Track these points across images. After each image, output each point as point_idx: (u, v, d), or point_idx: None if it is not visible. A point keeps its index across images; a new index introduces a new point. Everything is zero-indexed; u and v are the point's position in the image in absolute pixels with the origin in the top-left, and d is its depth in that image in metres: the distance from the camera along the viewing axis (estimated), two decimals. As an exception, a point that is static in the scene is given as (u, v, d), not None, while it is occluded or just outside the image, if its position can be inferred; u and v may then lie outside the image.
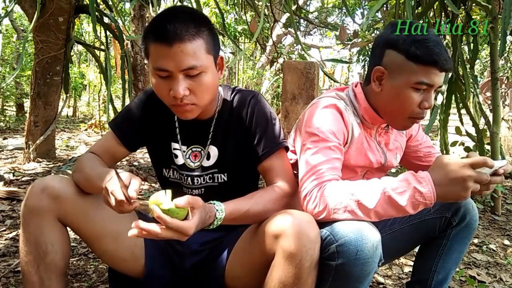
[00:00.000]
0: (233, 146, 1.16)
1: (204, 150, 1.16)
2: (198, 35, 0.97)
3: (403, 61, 1.06)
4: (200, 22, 0.99)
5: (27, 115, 3.65)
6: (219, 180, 1.18)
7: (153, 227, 0.83)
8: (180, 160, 1.17)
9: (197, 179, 1.17)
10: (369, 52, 1.27)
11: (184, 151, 1.17)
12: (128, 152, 1.20)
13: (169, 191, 0.87)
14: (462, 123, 2.93)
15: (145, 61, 5.72)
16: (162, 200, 0.85)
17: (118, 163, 3.71)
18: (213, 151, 1.16)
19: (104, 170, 1.02)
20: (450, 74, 2.64)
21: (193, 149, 1.17)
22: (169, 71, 0.97)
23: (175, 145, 1.18)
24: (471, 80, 2.59)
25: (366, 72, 1.21)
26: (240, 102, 1.16)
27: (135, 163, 3.84)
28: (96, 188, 0.98)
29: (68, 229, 1.08)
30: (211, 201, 0.96)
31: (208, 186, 1.18)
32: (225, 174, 1.17)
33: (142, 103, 1.19)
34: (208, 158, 1.16)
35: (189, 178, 1.17)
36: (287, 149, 1.17)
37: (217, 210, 0.94)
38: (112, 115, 3.53)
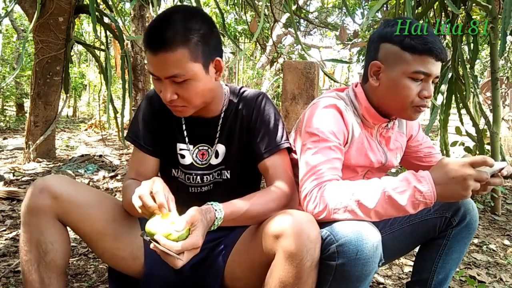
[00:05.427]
0: (237, 144, 1.17)
1: (212, 149, 1.18)
2: (184, 44, 0.95)
3: (398, 52, 1.07)
4: (192, 28, 0.97)
5: (27, 115, 3.65)
6: (223, 177, 1.19)
7: (175, 260, 0.85)
8: (187, 160, 1.18)
9: (207, 177, 1.19)
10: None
11: (190, 150, 1.18)
12: (157, 160, 1.20)
13: (158, 216, 0.89)
14: (462, 123, 2.93)
15: (145, 61, 5.73)
16: (166, 229, 0.86)
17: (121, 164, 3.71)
18: (221, 149, 1.18)
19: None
20: (450, 74, 2.64)
21: (200, 148, 1.18)
22: (157, 76, 1.00)
23: (181, 146, 1.18)
24: (471, 80, 2.59)
25: (363, 70, 1.21)
26: (246, 101, 1.18)
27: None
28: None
29: (68, 228, 1.09)
30: (208, 202, 0.97)
31: (216, 181, 1.20)
32: (228, 172, 1.19)
33: (147, 107, 1.20)
34: (217, 156, 1.18)
35: (198, 177, 1.18)
36: (289, 150, 1.17)
37: (215, 210, 0.95)
38: (112, 115, 3.52)
